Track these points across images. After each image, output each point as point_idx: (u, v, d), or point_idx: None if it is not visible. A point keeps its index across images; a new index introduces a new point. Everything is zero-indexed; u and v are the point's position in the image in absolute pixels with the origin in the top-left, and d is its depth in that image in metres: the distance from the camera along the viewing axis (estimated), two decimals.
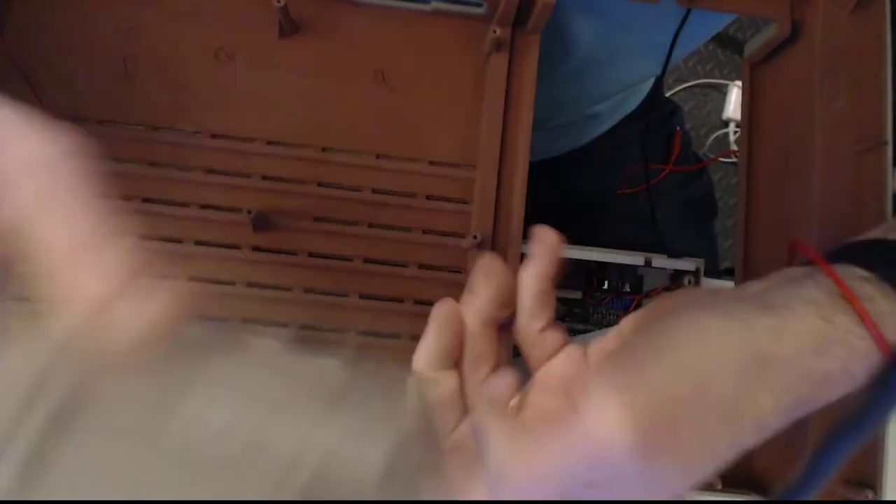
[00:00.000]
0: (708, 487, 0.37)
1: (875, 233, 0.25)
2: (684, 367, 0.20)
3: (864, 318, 0.20)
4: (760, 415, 0.20)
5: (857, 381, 0.21)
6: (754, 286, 0.23)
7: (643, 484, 0.20)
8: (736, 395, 0.20)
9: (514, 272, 0.37)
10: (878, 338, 0.20)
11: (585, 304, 0.47)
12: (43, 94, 0.36)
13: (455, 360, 0.25)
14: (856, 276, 0.22)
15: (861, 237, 0.25)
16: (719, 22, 0.52)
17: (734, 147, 1.28)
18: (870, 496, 0.32)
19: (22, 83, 0.36)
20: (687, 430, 0.20)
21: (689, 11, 0.42)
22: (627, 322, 0.25)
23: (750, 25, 1.24)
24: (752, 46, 0.42)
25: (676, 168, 0.60)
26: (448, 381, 0.25)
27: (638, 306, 0.47)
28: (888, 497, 0.32)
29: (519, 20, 0.38)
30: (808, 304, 0.21)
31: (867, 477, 0.32)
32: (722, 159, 1.27)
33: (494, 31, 0.36)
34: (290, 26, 0.37)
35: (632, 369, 0.20)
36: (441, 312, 0.25)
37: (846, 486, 0.32)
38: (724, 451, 0.20)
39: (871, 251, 0.24)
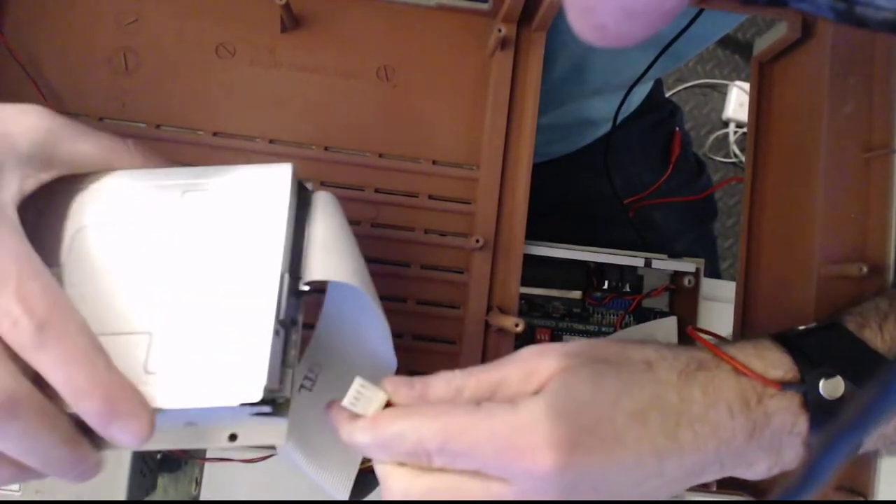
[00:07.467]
0: (704, 489, 0.37)
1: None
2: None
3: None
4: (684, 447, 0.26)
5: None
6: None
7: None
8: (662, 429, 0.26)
9: (516, 271, 0.37)
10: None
11: (585, 304, 0.47)
12: (44, 88, 0.36)
13: None
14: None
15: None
16: (726, 24, 0.52)
17: (734, 147, 1.29)
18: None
19: (23, 78, 0.36)
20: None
21: (700, 11, 0.41)
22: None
23: (751, 25, 1.24)
24: (762, 45, 0.41)
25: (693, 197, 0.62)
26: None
27: (638, 306, 0.47)
28: None
29: (524, 17, 0.37)
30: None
31: (859, 484, 0.32)
32: (721, 159, 1.27)
33: (499, 31, 0.36)
34: (291, 21, 0.37)
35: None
36: None
37: (839, 492, 0.32)
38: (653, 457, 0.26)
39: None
